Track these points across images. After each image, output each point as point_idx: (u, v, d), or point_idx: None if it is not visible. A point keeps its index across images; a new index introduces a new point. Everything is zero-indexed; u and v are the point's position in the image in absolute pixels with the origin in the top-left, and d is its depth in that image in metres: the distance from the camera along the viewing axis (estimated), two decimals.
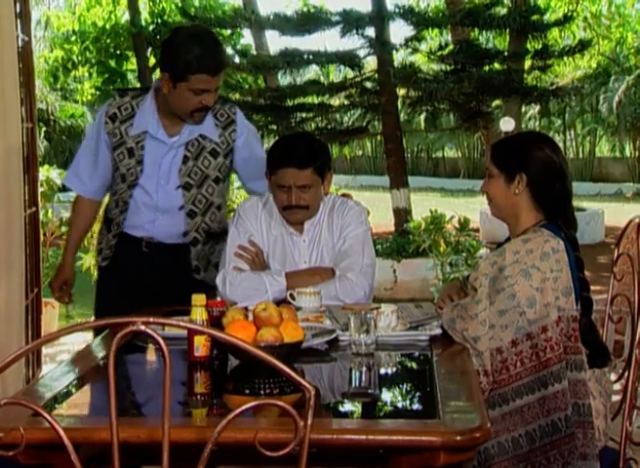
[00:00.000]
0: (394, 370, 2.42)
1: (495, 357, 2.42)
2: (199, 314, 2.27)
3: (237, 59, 10.93)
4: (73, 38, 15.92)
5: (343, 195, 3.45)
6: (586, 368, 2.44)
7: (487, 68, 10.12)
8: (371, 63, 11.20)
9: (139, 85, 17.30)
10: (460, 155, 25.38)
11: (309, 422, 1.25)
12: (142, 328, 1.29)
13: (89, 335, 5.79)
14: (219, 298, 2.51)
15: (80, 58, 16.05)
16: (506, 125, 11.45)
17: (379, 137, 19.64)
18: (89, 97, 18.39)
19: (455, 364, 2.32)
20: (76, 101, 19.80)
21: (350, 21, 9.54)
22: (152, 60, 16.45)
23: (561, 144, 23.18)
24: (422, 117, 20.54)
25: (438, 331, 2.53)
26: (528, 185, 2.54)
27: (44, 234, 7.12)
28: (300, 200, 3.06)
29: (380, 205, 16.02)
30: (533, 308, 2.41)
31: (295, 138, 3.21)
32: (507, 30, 10.16)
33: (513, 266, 2.44)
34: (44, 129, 19.51)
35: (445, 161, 26.06)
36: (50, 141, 20.25)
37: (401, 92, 10.57)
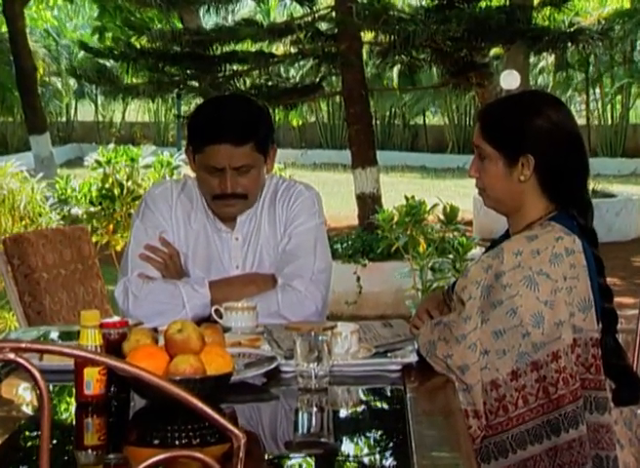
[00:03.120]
0: (355, 410, 2.45)
1: (489, 393, 2.46)
2: (91, 338, 2.28)
3: None
4: None
5: None
6: (611, 407, 2.50)
7: (482, 4, 10.22)
8: None
9: (3, 27, 17.09)
10: (446, 122, 25.54)
11: None
12: (11, 356, 1.30)
13: None
14: (116, 318, 2.51)
15: None
16: (509, 81, 11.57)
17: (337, 99, 19.61)
18: None
19: (435, 402, 2.35)
20: None
21: None
22: None
23: (582, 107, 23.46)
24: (396, 71, 20.65)
25: (413, 359, 2.56)
26: (536, 168, 2.58)
27: None
28: (237, 186, 3.08)
29: (338, 190, 16.05)
30: (540, 328, 2.45)
31: (227, 103, 3.22)
32: None
33: (514, 272, 2.48)
34: None
35: (427, 130, 26.21)
36: None
37: (367, 36, 10.61)
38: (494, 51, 11.70)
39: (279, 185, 3.25)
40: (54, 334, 3.21)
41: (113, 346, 2.33)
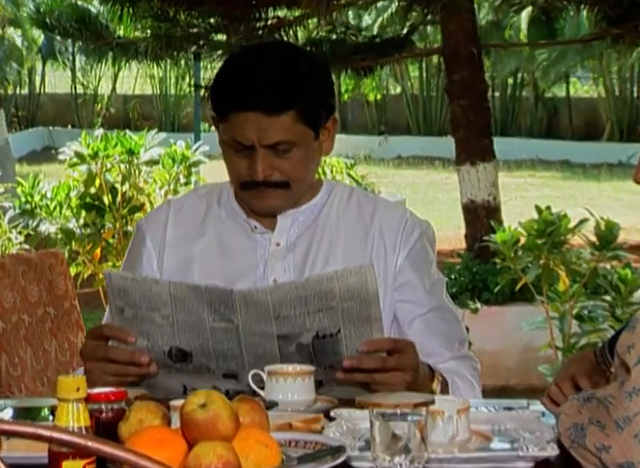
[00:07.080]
0: None
1: None
2: (73, 416, 2.29)
3: None
4: None
5: None
6: None
7: None
8: None
9: None
10: (601, 94, 25.47)
11: None
12: None
13: None
14: (109, 387, 2.53)
15: None
16: None
17: (434, 59, 19.58)
18: None
19: None
20: None
21: None
22: None
23: None
24: (525, 17, 20.64)
25: (552, 452, 2.56)
26: None
27: None
28: (273, 172, 3.15)
29: (436, 196, 16.02)
30: None
31: (261, 52, 3.30)
32: None
33: None
34: None
35: (571, 106, 26.15)
36: None
37: None
38: None
39: (359, 195, 3.37)
40: (9, 412, 3.21)
41: (106, 428, 2.36)
